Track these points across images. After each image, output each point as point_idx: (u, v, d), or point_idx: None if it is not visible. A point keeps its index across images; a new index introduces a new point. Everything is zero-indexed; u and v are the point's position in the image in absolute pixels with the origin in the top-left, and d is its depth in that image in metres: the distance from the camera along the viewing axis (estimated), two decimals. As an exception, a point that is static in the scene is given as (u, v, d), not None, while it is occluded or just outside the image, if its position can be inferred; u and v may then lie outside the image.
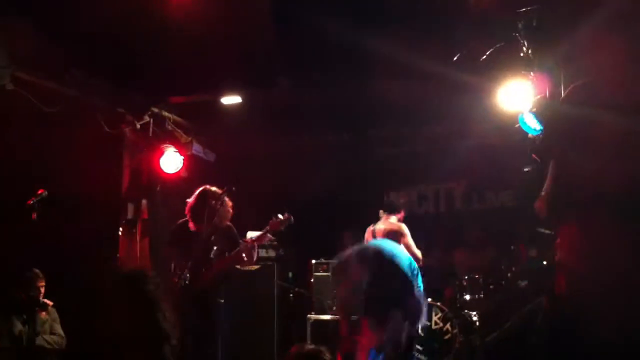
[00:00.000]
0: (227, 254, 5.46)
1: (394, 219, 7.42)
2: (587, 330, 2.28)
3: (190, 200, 5.64)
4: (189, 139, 8.01)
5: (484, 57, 5.31)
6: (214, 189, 5.59)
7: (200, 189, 5.63)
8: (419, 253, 7.16)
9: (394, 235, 6.94)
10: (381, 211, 7.59)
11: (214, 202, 5.42)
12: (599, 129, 2.28)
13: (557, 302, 2.39)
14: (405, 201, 7.42)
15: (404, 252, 3.94)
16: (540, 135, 5.10)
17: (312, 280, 8.06)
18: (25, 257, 5.71)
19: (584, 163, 2.35)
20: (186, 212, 5.62)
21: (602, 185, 2.28)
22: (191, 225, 5.55)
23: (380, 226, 7.36)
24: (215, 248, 5.49)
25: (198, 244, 5.36)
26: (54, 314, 6.09)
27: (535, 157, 5.76)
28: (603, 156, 2.26)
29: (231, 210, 5.67)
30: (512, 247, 7.44)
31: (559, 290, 2.38)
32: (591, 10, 2.70)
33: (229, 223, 5.65)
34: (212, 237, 5.49)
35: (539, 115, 5.13)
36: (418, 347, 7.11)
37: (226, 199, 5.60)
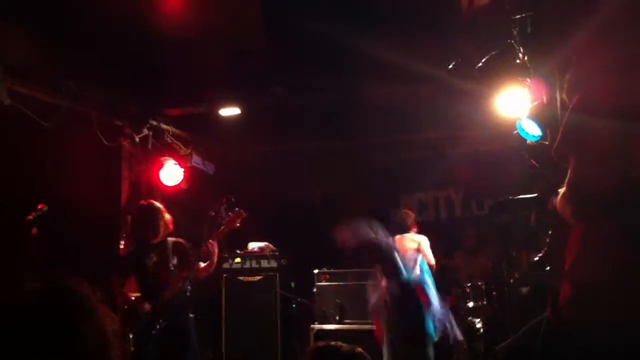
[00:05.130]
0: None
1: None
2: (591, 338, 2.27)
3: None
4: (189, 150, 8.01)
5: (480, 64, 5.30)
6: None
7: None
8: (432, 260, 7.13)
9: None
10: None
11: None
12: (591, 133, 2.29)
13: (561, 310, 2.37)
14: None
15: None
16: (546, 141, 5.08)
17: (314, 289, 8.05)
18: (25, 271, 5.70)
19: (582, 168, 2.35)
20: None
21: (597, 189, 2.28)
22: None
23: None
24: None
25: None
26: None
27: (534, 163, 5.77)
28: (595, 161, 2.26)
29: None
30: (514, 254, 7.42)
31: (564, 297, 2.36)
32: (585, 17, 2.70)
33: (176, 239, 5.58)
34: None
35: (540, 120, 5.12)
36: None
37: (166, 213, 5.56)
